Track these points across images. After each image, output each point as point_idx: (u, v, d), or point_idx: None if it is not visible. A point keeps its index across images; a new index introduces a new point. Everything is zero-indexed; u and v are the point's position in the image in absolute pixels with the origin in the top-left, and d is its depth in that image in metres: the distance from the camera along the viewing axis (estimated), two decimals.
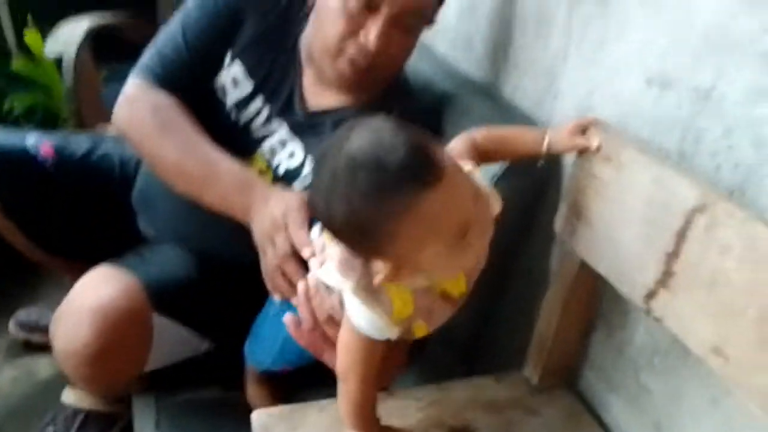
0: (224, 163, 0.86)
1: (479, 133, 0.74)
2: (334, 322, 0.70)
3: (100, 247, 0.99)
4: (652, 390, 0.77)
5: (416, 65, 1.01)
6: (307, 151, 0.93)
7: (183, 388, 1.02)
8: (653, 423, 0.77)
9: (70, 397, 1.19)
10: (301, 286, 0.72)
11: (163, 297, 0.90)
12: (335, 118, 0.92)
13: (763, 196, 0.59)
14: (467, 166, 0.64)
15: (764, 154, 0.59)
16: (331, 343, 0.71)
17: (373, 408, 0.75)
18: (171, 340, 0.94)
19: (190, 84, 0.96)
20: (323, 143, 0.91)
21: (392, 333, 0.65)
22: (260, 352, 0.88)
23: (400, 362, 0.82)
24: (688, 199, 0.61)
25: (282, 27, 0.97)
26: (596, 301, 0.84)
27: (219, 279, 0.98)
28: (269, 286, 0.81)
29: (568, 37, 0.86)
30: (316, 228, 0.73)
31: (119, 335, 0.84)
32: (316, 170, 0.59)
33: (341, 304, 0.67)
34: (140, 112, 0.91)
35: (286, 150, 0.94)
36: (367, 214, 0.54)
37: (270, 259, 0.78)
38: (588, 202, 0.74)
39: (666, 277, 0.64)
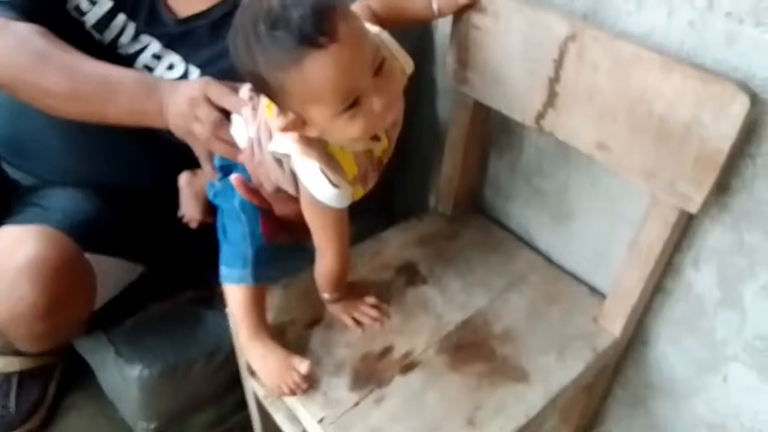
0: (116, 73, 0.82)
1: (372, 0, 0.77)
2: (282, 191, 0.73)
3: None
4: (545, 189, 0.96)
5: None
6: (188, 60, 0.91)
7: (125, 315, 1.03)
8: (549, 214, 0.97)
9: None
10: (245, 146, 0.74)
11: (84, 235, 0.88)
12: (211, 19, 0.91)
13: (610, 15, 0.74)
14: (374, 28, 0.68)
15: None
16: (283, 199, 0.75)
17: (348, 272, 0.84)
18: (111, 273, 0.94)
19: (47, 6, 0.88)
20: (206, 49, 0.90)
21: (354, 194, 0.70)
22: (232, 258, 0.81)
23: None
24: (559, 33, 0.75)
25: None
26: (488, 134, 1.00)
27: (126, 206, 0.97)
28: (203, 157, 0.80)
29: None
30: (245, 88, 0.75)
31: (62, 284, 0.82)
32: (241, 9, 0.60)
33: (293, 175, 0.69)
34: (8, 47, 0.83)
35: (163, 63, 0.92)
36: (261, 63, 0.58)
37: (201, 133, 0.77)
38: (474, 52, 0.86)
39: (551, 98, 0.79)
